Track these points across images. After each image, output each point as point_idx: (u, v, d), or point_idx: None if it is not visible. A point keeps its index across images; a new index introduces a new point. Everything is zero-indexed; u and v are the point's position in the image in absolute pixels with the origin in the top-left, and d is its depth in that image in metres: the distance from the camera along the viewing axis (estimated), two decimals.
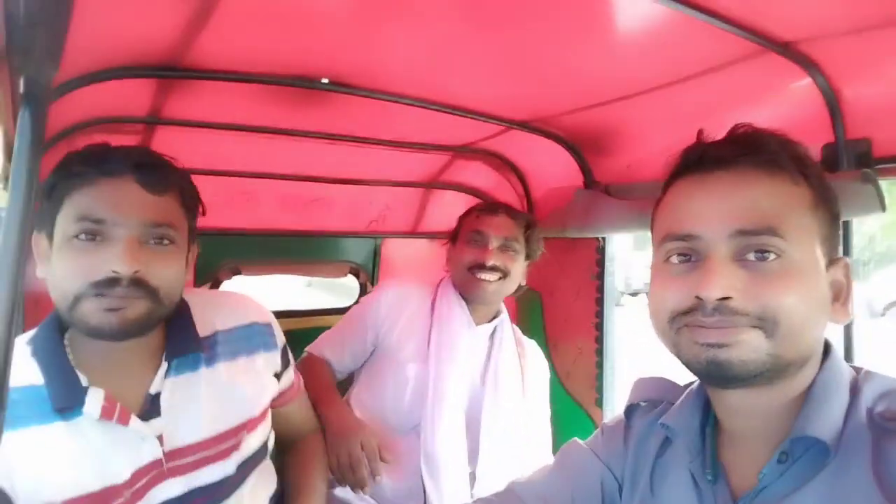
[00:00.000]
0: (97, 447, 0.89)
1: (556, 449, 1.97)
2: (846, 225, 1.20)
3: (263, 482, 1.14)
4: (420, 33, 1.12)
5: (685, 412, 0.78)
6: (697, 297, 0.63)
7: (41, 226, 0.90)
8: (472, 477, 1.52)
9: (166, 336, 1.01)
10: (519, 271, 1.60)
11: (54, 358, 0.91)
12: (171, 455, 0.96)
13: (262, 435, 1.13)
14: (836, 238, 0.69)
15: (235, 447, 1.04)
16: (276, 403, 1.20)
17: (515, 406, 1.59)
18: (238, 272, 1.94)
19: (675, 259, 0.68)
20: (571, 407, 1.90)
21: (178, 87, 1.30)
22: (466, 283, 1.56)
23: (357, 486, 1.30)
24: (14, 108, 0.86)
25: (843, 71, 1.10)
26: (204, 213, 1.05)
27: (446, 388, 1.50)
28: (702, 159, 0.69)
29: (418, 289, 1.67)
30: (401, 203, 2.18)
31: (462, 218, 1.67)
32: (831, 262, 0.67)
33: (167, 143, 1.46)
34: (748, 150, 0.66)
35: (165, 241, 0.92)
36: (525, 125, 1.68)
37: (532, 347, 1.72)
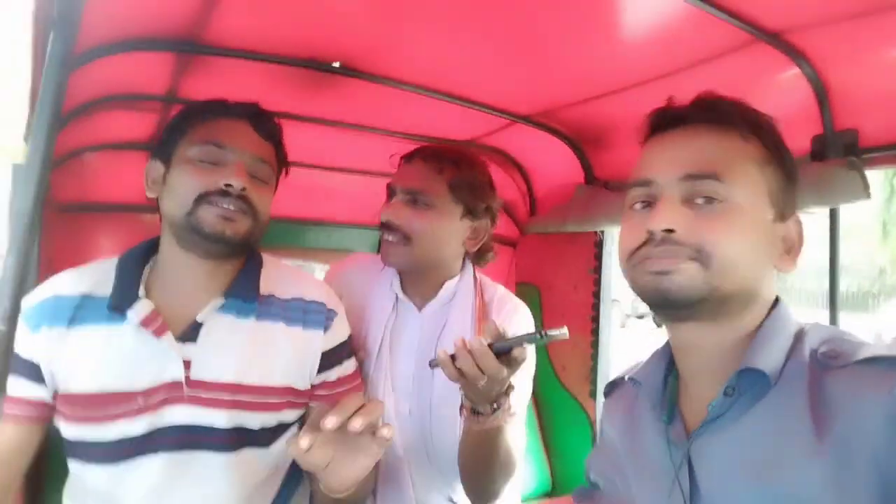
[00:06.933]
0: (129, 353, 1.02)
1: (548, 438, 2.01)
2: (833, 213, 1.24)
3: (270, 471, 1.13)
4: (430, 21, 1.17)
5: (650, 365, 0.85)
6: (648, 231, 0.70)
7: (158, 154, 1.10)
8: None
9: (233, 278, 1.12)
10: (439, 230, 1.29)
11: (127, 270, 1.07)
12: (194, 384, 1.04)
13: (293, 415, 1.14)
14: (791, 196, 0.75)
15: (261, 407, 1.08)
16: (322, 396, 1.18)
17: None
18: None
19: (637, 206, 0.76)
20: (566, 399, 1.93)
21: (193, 65, 1.36)
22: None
23: None
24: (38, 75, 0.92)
25: (830, 60, 1.15)
26: (287, 175, 1.21)
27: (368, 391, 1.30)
28: (663, 120, 0.77)
29: (360, 268, 1.47)
30: None
31: None
32: (783, 216, 0.73)
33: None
34: (703, 110, 0.74)
35: (263, 177, 1.10)
36: (528, 119, 1.73)
37: (507, 304, 1.37)
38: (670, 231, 0.69)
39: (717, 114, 0.73)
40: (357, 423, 0.82)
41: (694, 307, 0.69)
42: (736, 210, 0.69)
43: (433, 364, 1.02)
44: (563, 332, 0.93)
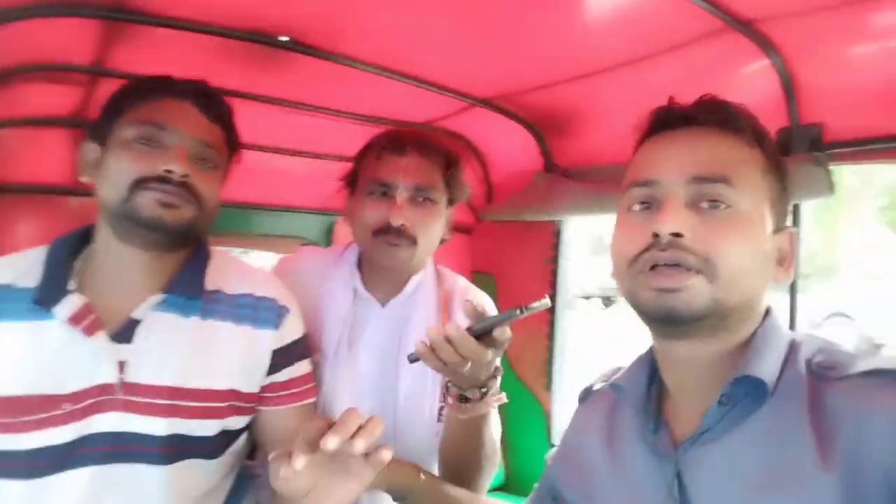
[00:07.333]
0: (55, 353, 0.91)
1: (501, 431, 1.97)
2: (796, 208, 1.23)
3: (212, 486, 1.04)
4: None
5: (633, 371, 0.82)
6: (654, 235, 0.66)
7: (93, 135, 0.99)
8: None
9: (175, 272, 1.02)
10: (439, 227, 1.24)
11: (57, 260, 0.96)
12: (129, 388, 0.93)
13: (239, 421, 1.05)
14: (785, 208, 0.73)
15: (203, 413, 0.99)
16: (270, 399, 1.09)
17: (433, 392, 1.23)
18: None
19: (636, 207, 0.71)
20: (521, 392, 1.90)
21: (123, 34, 1.23)
22: (373, 251, 1.20)
23: None
24: None
25: (799, 53, 1.13)
26: (239, 162, 1.11)
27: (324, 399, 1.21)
28: (667, 118, 0.73)
29: (313, 262, 1.35)
30: None
31: (359, 158, 1.26)
32: (779, 229, 0.71)
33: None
34: (710, 112, 0.71)
35: (210, 163, 1.00)
36: (487, 103, 1.66)
37: (468, 294, 1.30)
38: (678, 235, 0.65)
39: (725, 116, 0.70)
40: (360, 445, 0.71)
41: (697, 323, 0.66)
42: (742, 217, 0.66)
43: (412, 358, 0.96)
44: (544, 302, 0.88)
